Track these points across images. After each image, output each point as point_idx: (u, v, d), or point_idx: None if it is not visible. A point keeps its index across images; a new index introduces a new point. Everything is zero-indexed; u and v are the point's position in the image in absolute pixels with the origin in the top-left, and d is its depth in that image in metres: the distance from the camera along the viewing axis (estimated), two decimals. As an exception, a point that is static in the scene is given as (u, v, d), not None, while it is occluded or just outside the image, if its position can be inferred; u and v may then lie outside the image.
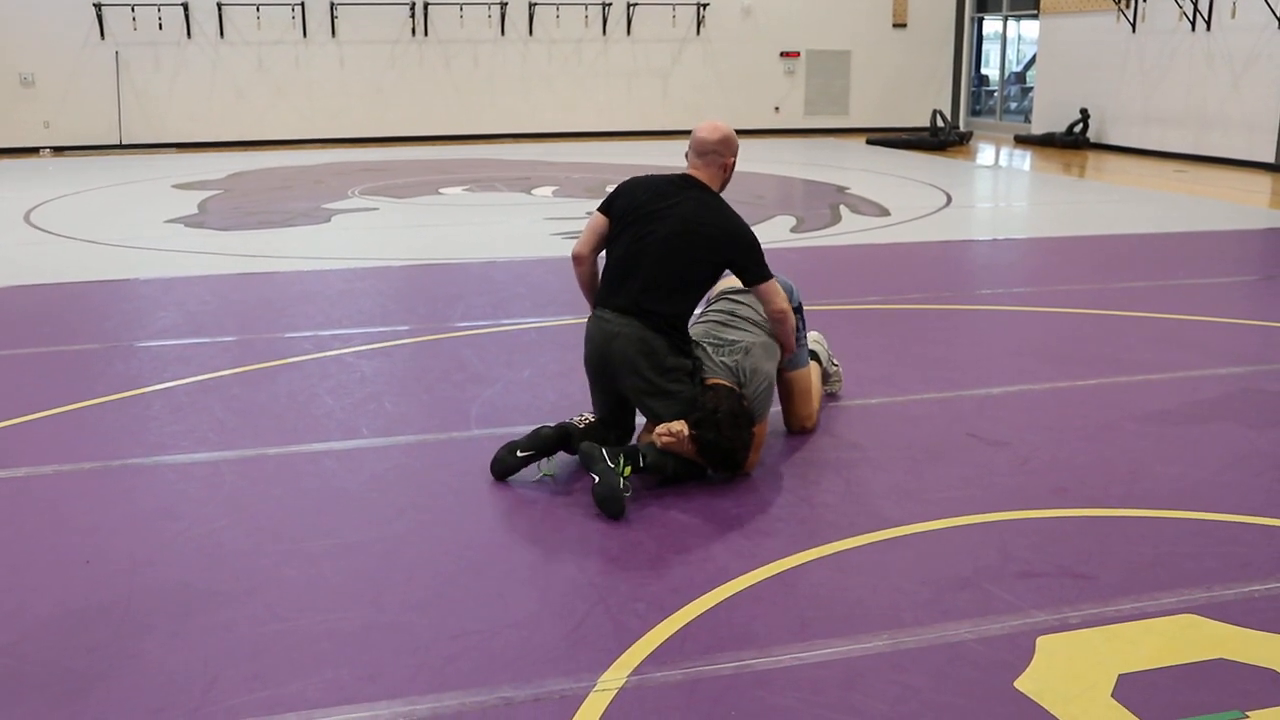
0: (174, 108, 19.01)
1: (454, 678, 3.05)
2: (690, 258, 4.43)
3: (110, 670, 3.10)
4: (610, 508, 4.05)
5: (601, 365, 4.47)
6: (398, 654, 3.18)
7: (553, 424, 4.53)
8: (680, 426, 4.23)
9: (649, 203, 4.52)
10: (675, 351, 4.41)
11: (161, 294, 7.92)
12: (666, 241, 4.41)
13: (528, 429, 4.95)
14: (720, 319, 4.70)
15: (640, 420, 4.71)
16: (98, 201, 12.87)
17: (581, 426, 4.53)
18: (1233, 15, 15.86)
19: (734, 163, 4.67)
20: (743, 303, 4.76)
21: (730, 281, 4.83)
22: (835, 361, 5.46)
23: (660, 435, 4.26)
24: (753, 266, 4.48)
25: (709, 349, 4.54)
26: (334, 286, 8.12)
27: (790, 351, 4.76)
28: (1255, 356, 5.97)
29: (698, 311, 4.78)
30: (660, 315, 4.38)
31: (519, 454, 4.40)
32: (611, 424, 4.58)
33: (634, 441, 4.59)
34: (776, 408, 4.85)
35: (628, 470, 4.15)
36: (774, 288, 4.54)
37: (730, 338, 4.56)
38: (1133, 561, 3.72)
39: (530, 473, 4.46)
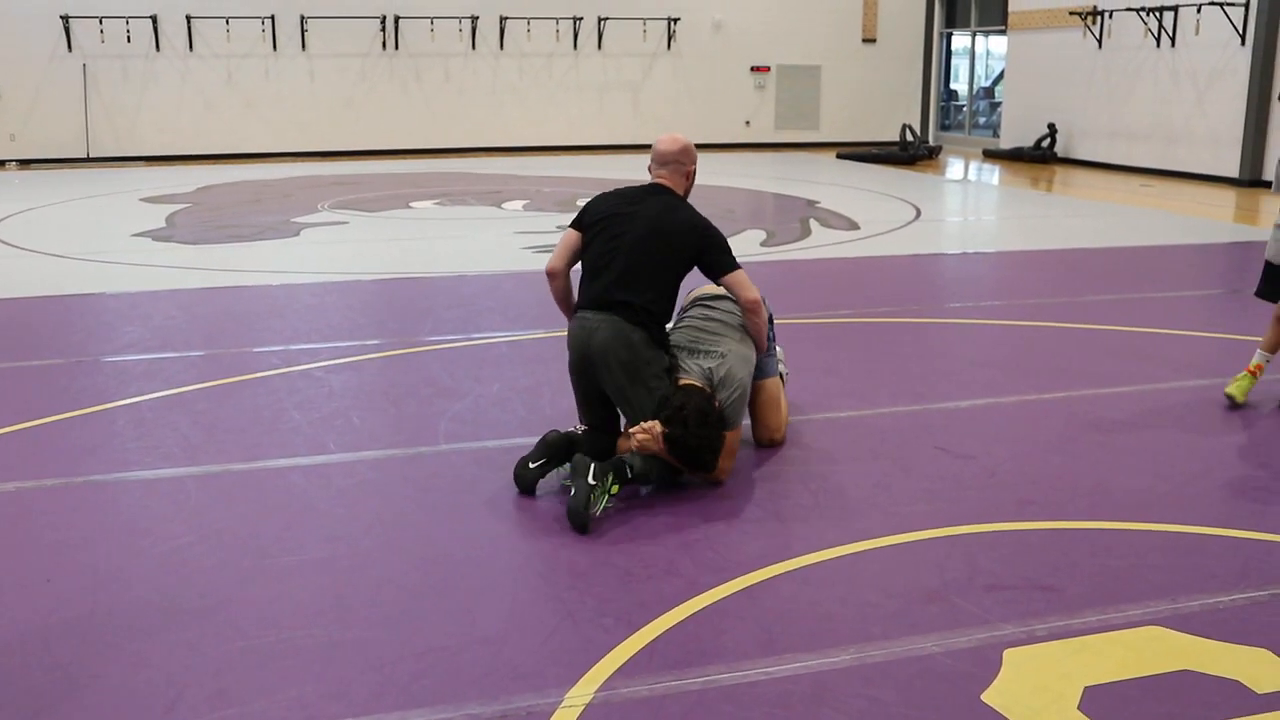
0: (142, 121, 18.90)
1: (420, 695, 3.03)
2: (660, 252, 4.57)
3: (72, 689, 3.06)
4: (576, 521, 4.08)
5: (584, 363, 4.53)
6: (363, 671, 3.15)
7: (560, 430, 4.56)
8: (654, 424, 4.29)
9: (618, 207, 4.70)
10: (653, 344, 4.52)
11: (128, 308, 7.86)
12: (638, 240, 4.57)
13: (496, 444, 4.97)
14: (697, 324, 4.76)
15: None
16: (64, 215, 12.76)
17: (579, 436, 4.57)
18: (1196, 32, 16.06)
19: (694, 170, 4.85)
20: (716, 308, 4.82)
21: (705, 288, 4.90)
22: (785, 371, 5.42)
23: (636, 434, 4.31)
24: (720, 257, 4.62)
25: (686, 352, 4.63)
26: (302, 301, 8.07)
27: (762, 348, 4.81)
28: (1219, 369, 6.03)
29: (673, 319, 4.84)
30: (636, 309, 4.48)
31: (530, 465, 4.44)
32: (601, 430, 4.62)
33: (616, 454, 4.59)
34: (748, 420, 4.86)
35: (615, 489, 4.22)
36: (743, 278, 4.64)
37: (706, 346, 4.64)
38: (1098, 573, 3.74)
39: (497, 489, 4.45)
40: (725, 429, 4.42)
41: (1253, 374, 5.57)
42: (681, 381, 4.51)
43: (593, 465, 4.17)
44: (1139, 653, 3.24)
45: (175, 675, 3.12)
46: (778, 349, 5.25)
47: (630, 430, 4.39)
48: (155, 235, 11.21)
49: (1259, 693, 3.03)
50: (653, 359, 4.50)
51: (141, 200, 13.92)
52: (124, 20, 18.45)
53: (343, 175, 16.71)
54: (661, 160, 4.77)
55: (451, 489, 4.51)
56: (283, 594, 3.61)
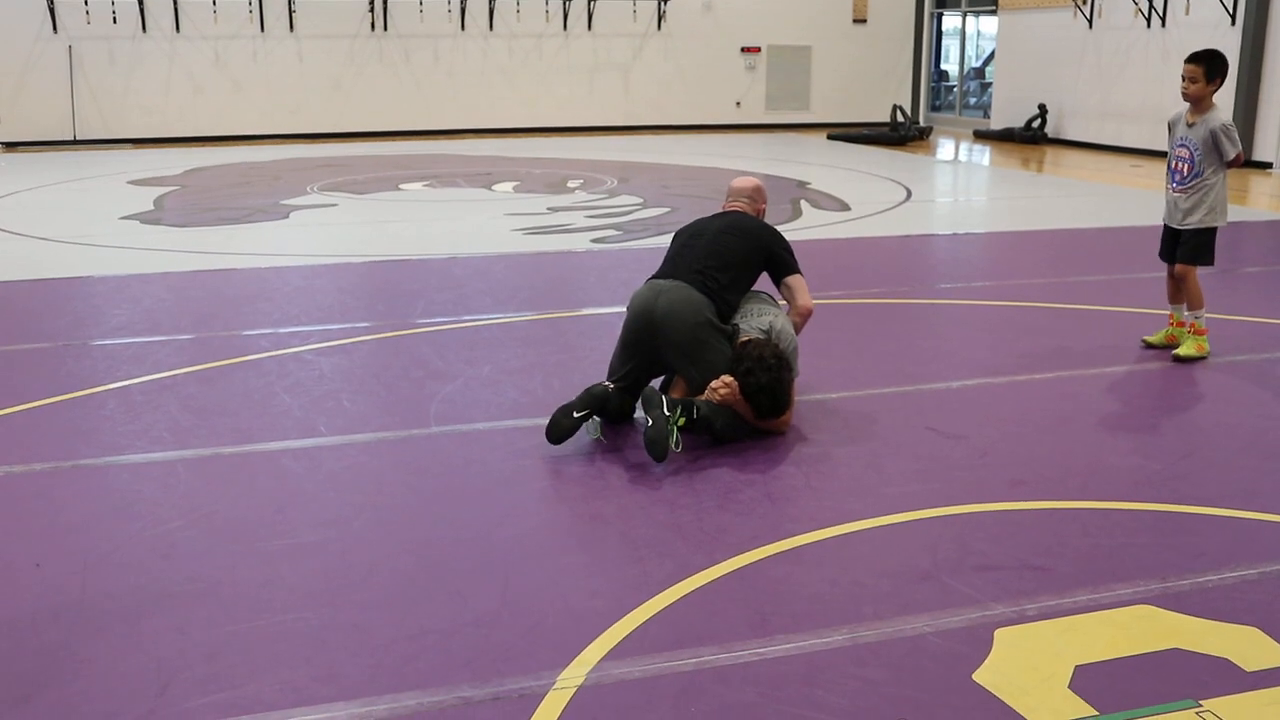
0: (129, 103, 18.78)
1: (412, 677, 3.03)
2: (736, 245, 5.07)
3: (61, 674, 3.05)
4: (656, 450, 4.36)
5: (645, 320, 4.82)
6: (355, 654, 3.15)
7: (601, 384, 4.83)
8: (731, 379, 4.62)
9: (698, 222, 5.34)
10: (716, 314, 4.90)
11: (116, 292, 7.82)
12: (717, 233, 5.13)
13: (487, 426, 4.97)
14: (747, 309, 5.13)
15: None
16: (51, 198, 12.69)
17: (610, 391, 4.79)
18: (1187, 11, 16.05)
19: (764, 210, 5.51)
20: (767, 305, 5.18)
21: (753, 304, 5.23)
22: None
23: (716, 389, 4.63)
24: (788, 257, 5.20)
25: (741, 323, 4.99)
26: (292, 283, 8.04)
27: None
28: (1211, 349, 6.04)
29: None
30: (708, 286, 4.90)
31: (575, 415, 4.63)
32: (631, 391, 4.87)
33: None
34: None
35: (682, 420, 4.50)
36: (804, 284, 5.20)
37: (755, 314, 5.06)
38: (1089, 553, 3.75)
39: (501, 466, 4.44)
40: (792, 374, 4.79)
41: (1176, 325, 6.14)
42: (742, 339, 4.85)
43: (664, 398, 4.47)
44: (1129, 631, 3.25)
45: (165, 659, 3.12)
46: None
47: (711, 385, 4.65)
48: (143, 218, 11.15)
49: (1248, 670, 3.04)
50: (715, 325, 4.86)
51: (129, 183, 13.85)
52: (110, 1, 18.31)
53: (332, 157, 16.63)
54: (736, 195, 5.47)
55: (443, 471, 4.50)
56: (273, 577, 3.60)
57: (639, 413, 4.79)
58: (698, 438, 4.70)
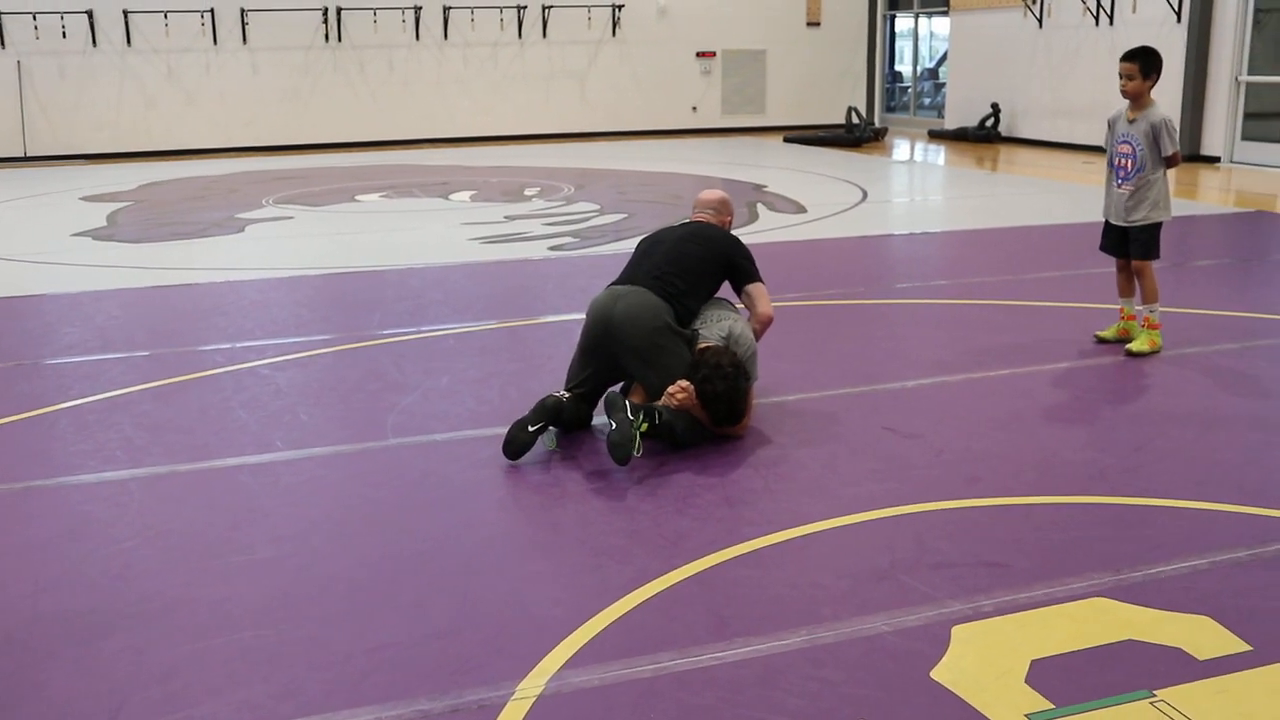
0: (81, 118, 18.58)
1: (370, 692, 3.01)
2: (697, 253, 5.13)
3: (12, 701, 3.01)
4: (619, 453, 4.37)
5: (603, 325, 4.83)
6: (313, 670, 3.13)
7: (553, 395, 4.80)
8: (688, 384, 4.64)
9: (660, 231, 5.41)
10: (675, 318, 4.93)
11: (68, 309, 7.73)
12: (678, 240, 5.20)
13: (445, 437, 4.95)
14: (707, 315, 5.12)
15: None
16: (1, 215, 12.52)
17: (565, 400, 4.79)
18: (1134, 10, 16.26)
19: (730, 223, 5.57)
20: (727, 311, 5.19)
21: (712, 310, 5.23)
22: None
23: (673, 394, 4.64)
24: (749, 266, 5.25)
25: (701, 329, 5.02)
26: (248, 297, 7.98)
27: None
28: (1163, 343, 6.11)
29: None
30: (667, 291, 4.94)
31: (530, 429, 4.62)
32: (589, 398, 4.90)
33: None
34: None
35: (645, 425, 4.51)
36: (765, 292, 5.25)
37: (713, 320, 5.08)
38: (1044, 548, 3.78)
39: (458, 478, 4.43)
40: (749, 381, 4.84)
41: (1127, 319, 6.25)
42: (701, 345, 4.88)
43: (628, 403, 4.49)
44: (1084, 624, 3.28)
45: (120, 682, 3.08)
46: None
47: (668, 390, 4.66)
48: (96, 234, 11.03)
49: (1200, 659, 3.08)
50: (674, 330, 4.88)
51: (82, 199, 13.70)
52: (59, 15, 18.12)
53: (287, 170, 16.53)
54: (702, 206, 5.55)
55: (400, 483, 4.48)
56: (230, 595, 3.57)
57: (601, 417, 4.79)
58: (657, 443, 4.71)
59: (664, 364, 4.78)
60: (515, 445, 4.59)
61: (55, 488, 4.52)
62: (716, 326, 5.02)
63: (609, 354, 4.84)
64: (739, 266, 5.23)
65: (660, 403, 4.70)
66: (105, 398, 5.65)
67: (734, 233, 5.52)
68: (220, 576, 3.70)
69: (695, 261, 5.09)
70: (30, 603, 3.54)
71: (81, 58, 18.46)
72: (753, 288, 5.23)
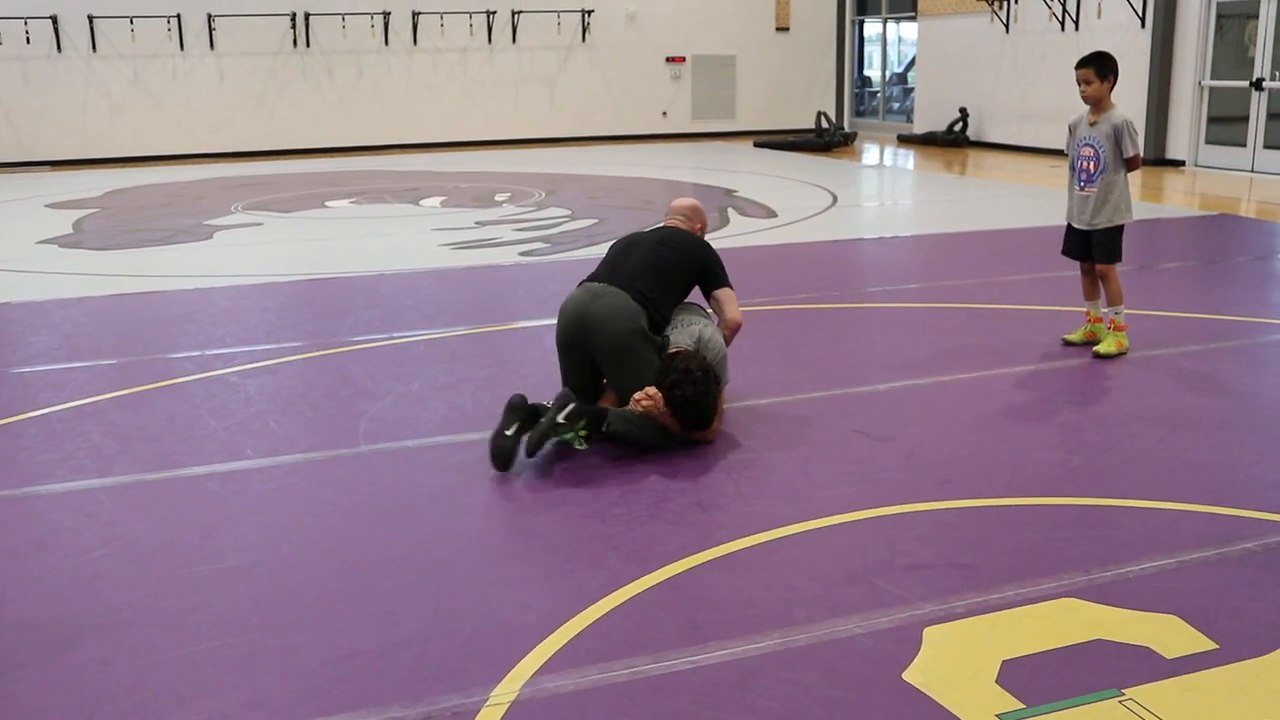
0: (45, 124, 18.42)
1: (342, 700, 3.00)
2: (670, 258, 5.16)
3: (-20, 712, 2.98)
4: (526, 448, 4.50)
5: (579, 323, 4.86)
6: (284, 678, 3.11)
7: (516, 394, 4.81)
8: (655, 391, 4.65)
9: (634, 234, 5.43)
10: (649, 323, 4.94)
11: (34, 318, 7.66)
12: (651, 245, 5.22)
13: (417, 443, 4.94)
14: (678, 320, 5.14)
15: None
16: (-35, 224, 12.39)
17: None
18: (1099, 15, 16.42)
19: (702, 229, 5.59)
20: (697, 315, 5.23)
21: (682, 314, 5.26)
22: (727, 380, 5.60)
23: (639, 401, 4.64)
24: (719, 271, 5.29)
25: (671, 334, 5.03)
26: (217, 305, 7.93)
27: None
28: (1129, 345, 6.17)
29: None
30: (643, 295, 4.94)
31: (507, 434, 4.59)
32: (590, 395, 4.95)
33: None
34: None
35: (584, 430, 4.56)
36: (733, 298, 5.28)
37: (684, 324, 5.12)
38: (1014, 549, 3.81)
39: (436, 485, 4.42)
40: (718, 386, 4.84)
41: (1094, 322, 6.31)
42: (671, 351, 4.91)
43: (571, 405, 4.56)
44: (1054, 624, 3.31)
45: (88, 693, 3.05)
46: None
47: (634, 396, 4.67)
48: (62, 241, 10.93)
49: (1168, 658, 3.11)
50: (647, 335, 4.89)
51: (47, 206, 13.57)
52: (22, 21, 17.96)
53: (256, 176, 16.43)
54: (674, 212, 5.61)
55: (372, 490, 4.47)
56: (200, 604, 3.54)
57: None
58: (622, 447, 4.71)
59: (635, 370, 4.79)
60: (502, 455, 4.54)
61: (22, 497, 4.47)
62: (686, 331, 5.04)
63: (584, 350, 4.87)
64: (710, 271, 5.26)
65: (627, 408, 4.71)
66: (72, 406, 5.60)
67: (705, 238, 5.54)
68: (190, 585, 3.67)
69: (668, 265, 5.12)
70: (-3, 614, 3.51)
71: (46, 63, 18.31)
72: (721, 293, 5.26)
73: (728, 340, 5.21)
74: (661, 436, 4.74)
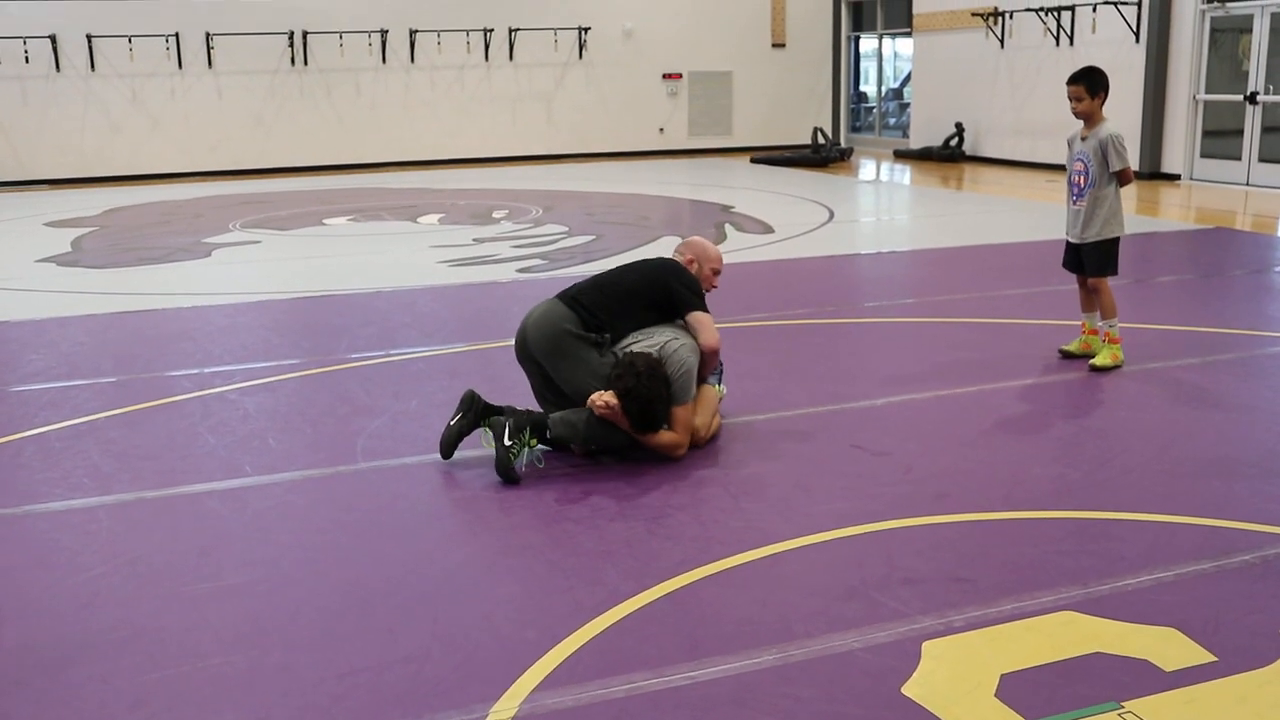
0: (44, 143, 18.46)
1: (342, 717, 3.00)
2: (627, 275, 5.23)
3: (-21, 731, 2.98)
4: (502, 474, 4.63)
5: (519, 343, 5.09)
6: (284, 696, 3.11)
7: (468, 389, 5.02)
8: (610, 395, 4.67)
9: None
10: (581, 325, 4.98)
11: (33, 336, 7.67)
12: (618, 268, 5.34)
13: (415, 460, 4.95)
14: (649, 332, 5.10)
15: None
16: (-36, 243, 12.41)
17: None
18: (1093, 30, 16.49)
19: (692, 262, 5.41)
20: (673, 330, 5.14)
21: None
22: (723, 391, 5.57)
23: (594, 405, 4.69)
24: (686, 295, 5.16)
25: (636, 344, 5.00)
26: (215, 322, 7.94)
27: (704, 376, 5.17)
28: (1125, 358, 6.19)
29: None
30: (576, 300, 5.05)
31: (450, 424, 4.88)
32: (551, 403, 5.06)
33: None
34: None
35: (533, 442, 4.69)
36: (707, 321, 5.13)
37: (649, 337, 5.05)
38: (1013, 563, 3.82)
39: (423, 496, 4.42)
40: (671, 390, 4.78)
41: (1089, 334, 6.33)
42: (630, 348, 4.94)
43: (507, 425, 4.67)
44: (1052, 638, 3.31)
45: (88, 712, 3.06)
46: (722, 388, 5.55)
47: (590, 399, 4.73)
48: (61, 260, 10.95)
49: (1167, 670, 3.11)
50: (578, 335, 4.94)
51: (46, 224, 13.59)
52: (21, 40, 18.01)
53: (254, 194, 16.47)
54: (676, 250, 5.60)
55: (370, 507, 4.47)
56: (199, 622, 3.54)
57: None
58: (623, 457, 4.72)
59: (571, 366, 4.91)
60: (443, 444, 4.86)
61: (22, 516, 4.47)
62: (651, 341, 4.98)
63: (533, 361, 5.03)
64: (677, 294, 5.13)
65: (584, 407, 4.81)
66: (71, 425, 5.60)
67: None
68: (189, 603, 3.67)
69: (621, 282, 5.17)
70: (-4, 633, 3.51)
71: (45, 82, 18.35)
72: (693, 316, 5.12)
73: (709, 365, 5.11)
74: (609, 436, 4.77)
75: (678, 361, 4.88)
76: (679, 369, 4.86)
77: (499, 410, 4.89)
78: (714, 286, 5.48)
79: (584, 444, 4.82)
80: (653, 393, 4.65)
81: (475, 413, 4.89)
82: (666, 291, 5.14)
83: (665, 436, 4.81)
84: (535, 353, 4.98)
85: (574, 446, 4.86)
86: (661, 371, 4.73)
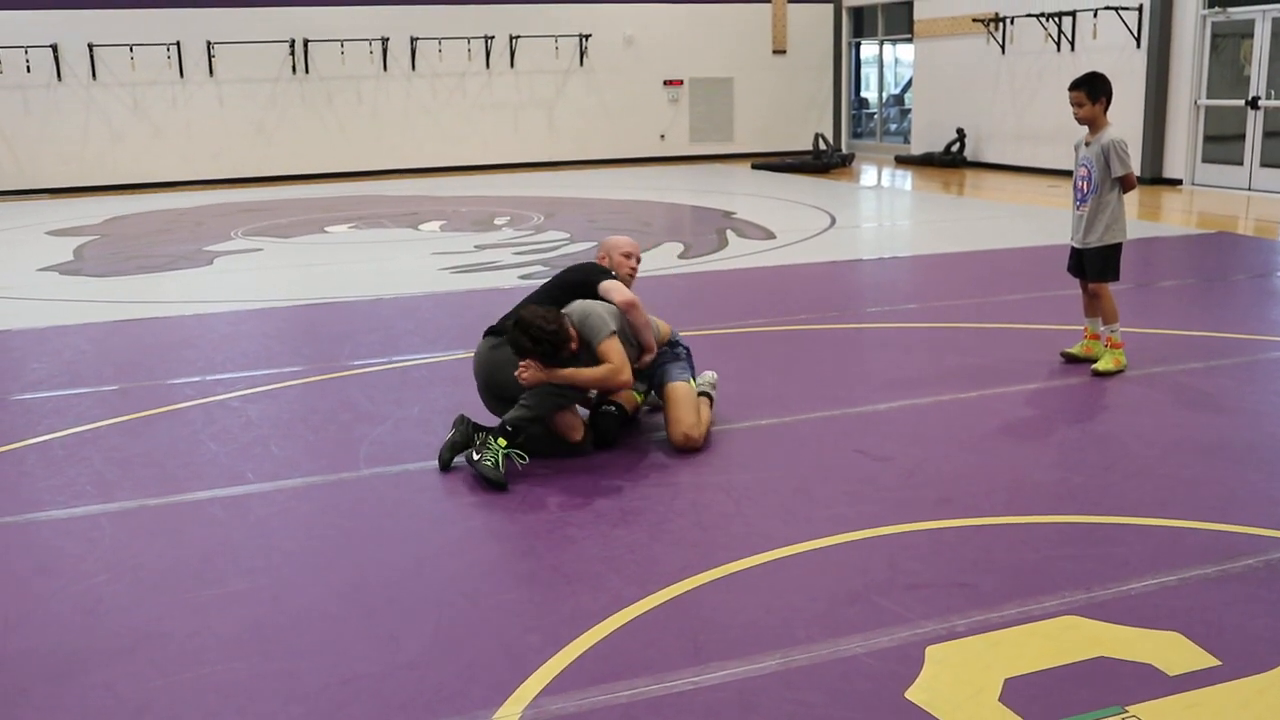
0: (46, 152, 18.50)
1: (345, 723, 3.00)
2: (549, 283, 5.44)
3: (-18, 738, 2.98)
4: (494, 487, 4.66)
5: (481, 389, 5.32)
6: (287, 703, 3.11)
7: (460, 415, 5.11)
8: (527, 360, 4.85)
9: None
10: (500, 338, 5.14)
11: (35, 345, 7.68)
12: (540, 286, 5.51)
13: (418, 467, 4.95)
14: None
15: None
16: (-34, 251, 12.43)
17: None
18: (1094, 36, 16.51)
19: (604, 257, 5.58)
20: (586, 301, 5.22)
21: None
22: (714, 394, 5.58)
23: (520, 379, 4.85)
24: (597, 273, 5.33)
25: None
26: (217, 330, 7.95)
27: (650, 351, 5.26)
28: (1128, 362, 6.19)
29: None
30: (500, 327, 5.20)
31: (443, 445, 4.98)
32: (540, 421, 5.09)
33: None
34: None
35: (503, 444, 4.74)
36: (614, 284, 5.26)
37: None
38: (1016, 567, 3.81)
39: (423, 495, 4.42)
40: (581, 333, 4.91)
41: (1091, 338, 6.34)
42: None
43: (476, 436, 4.82)
44: (1056, 642, 3.31)
45: (92, 718, 3.05)
46: (709, 374, 5.64)
47: (517, 372, 4.87)
48: (63, 268, 10.96)
49: (1171, 675, 3.11)
50: (498, 348, 5.11)
51: (48, 233, 13.61)
52: (23, 50, 18.06)
53: (255, 202, 16.49)
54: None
55: (373, 514, 4.47)
56: (202, 628, 3.54)
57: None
58: (615, 456, 4.71)
59: (505, 376, 5.02)
60: (439, 461, 4.93)
61: (25, 524, 4.48)
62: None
63: (496, 400, 5.21)
64: (588, 275, 5.33)
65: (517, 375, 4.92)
66: (74, 432, 5.61)
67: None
68: (192, 610, 3.67)
69: (542, 293, 5.35)
70: (0, 640, 3.51)
71: (46, 91, 18.40)
72: (602, 286, 5.25)
73: (636, 330, 5.18)
74: (560, 396, 4.91)
75: (578, 310, 5.01)
76: (580, 316, 4.98)
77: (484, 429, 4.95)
78: (633, 270, 5.58)
79: (546, 415, 4.92)
80: (538, 330, 4.75)
81: (464, 433, 4.95)
82: (580, 281, 5.30)
83: (601, 369, 4.91)
84: (490, 391, 5.20)
85: (572, 437, 5.00)
86: (536, 310, 4.85)
